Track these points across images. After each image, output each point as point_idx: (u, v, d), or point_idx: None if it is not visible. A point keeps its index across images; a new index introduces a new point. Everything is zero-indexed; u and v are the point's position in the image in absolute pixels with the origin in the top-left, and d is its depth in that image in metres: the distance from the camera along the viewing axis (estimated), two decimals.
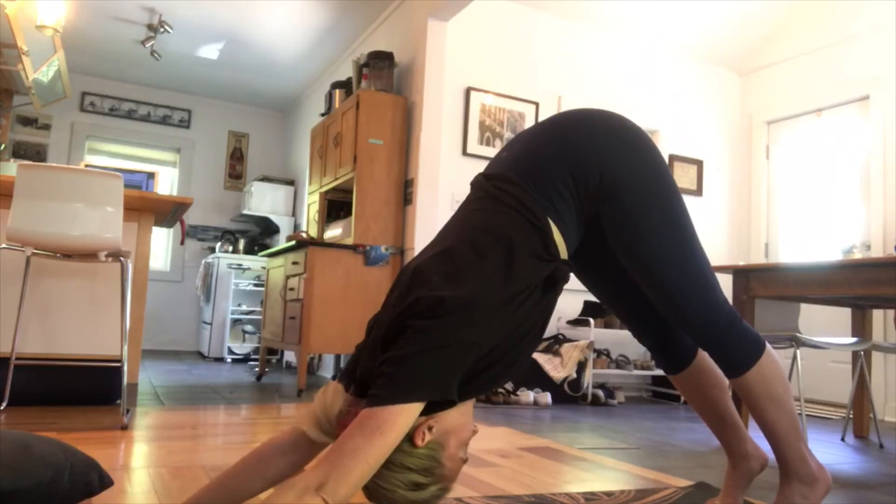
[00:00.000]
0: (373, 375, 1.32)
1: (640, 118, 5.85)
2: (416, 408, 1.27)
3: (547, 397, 4.69)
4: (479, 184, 1.60)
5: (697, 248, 1.60)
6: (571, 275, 1.58)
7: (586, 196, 1.51)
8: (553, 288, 1.48)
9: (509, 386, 4.74)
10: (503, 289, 1.38)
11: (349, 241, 4.83)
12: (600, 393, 4.96)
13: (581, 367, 4.92)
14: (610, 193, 1.51)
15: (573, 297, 5.14)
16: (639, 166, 1.55)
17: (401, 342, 1.30)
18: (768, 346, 1.65)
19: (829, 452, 3.30)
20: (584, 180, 1.50)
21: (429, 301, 1.32)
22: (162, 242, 8.09)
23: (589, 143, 1.55)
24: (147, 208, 3.60)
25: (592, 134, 1.57)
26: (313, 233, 5.52)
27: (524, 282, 1.41)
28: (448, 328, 1.30)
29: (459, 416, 1.38)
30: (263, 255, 6.08)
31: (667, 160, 4.46)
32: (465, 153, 5.14)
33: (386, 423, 1.23)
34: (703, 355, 1.78)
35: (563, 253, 1.50)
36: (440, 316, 1.30)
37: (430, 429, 1.32)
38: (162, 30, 6.02)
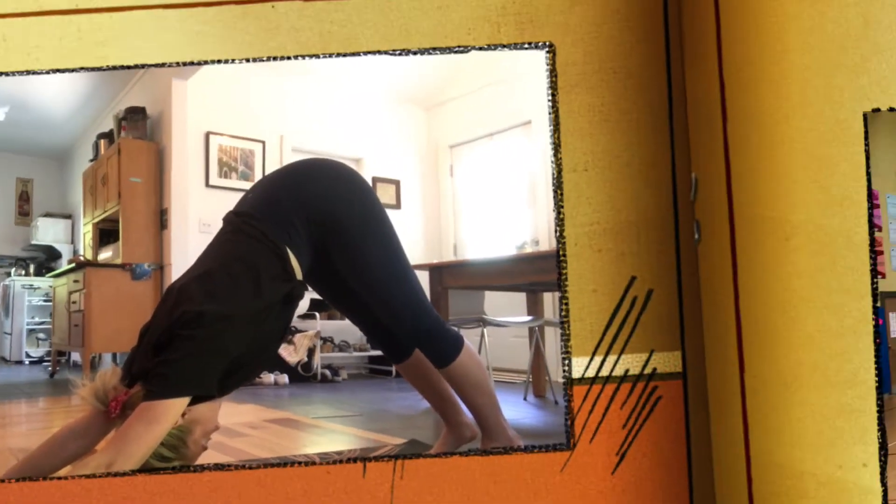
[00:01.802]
0: (148, 373, 1.50)
1: (348, 148, 6.50)
2: (184, 401, 1.46)
3: (284, 378, 4.96)
4: (229, 219, 1.76)
5: (407, 267, 1.83)
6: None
7: (316, 228, 1.71)
8: (291, 303, 1.68)
9: None
10: (252, 304, 1.57)
11: (118, 261, 5.41)
12: (328, 372, 5.24)
13: (311, 352, 5.20)
14: (334, 225, 1.73)
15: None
16: (358, 205, 1.80)
17: (171, 348, 1.48)
18: (467, 342, 1.87)
19: (515, 409, 3.34)
20: (314, 215, 1.71)
21: (192, 315, 1.49)
22: None
23: (317, 187, 1.78)
24: None
25: (320, 180, 1.80)
26: (89, 256, 6.03)
27: (268, 298, 1.59)
28: (207, 336, 1.48)
29: (208, 410, 1.53)
30: (50, 276, 6.43)
31: (370, 182, 5.10)
32: (207, 185, 5.69)
33: (162, 415, 1.41)
34: None
35: (299, 274, 1.68)
36: (201, 327, 1.47)
37: (182, 415, 1.47)
38: None
